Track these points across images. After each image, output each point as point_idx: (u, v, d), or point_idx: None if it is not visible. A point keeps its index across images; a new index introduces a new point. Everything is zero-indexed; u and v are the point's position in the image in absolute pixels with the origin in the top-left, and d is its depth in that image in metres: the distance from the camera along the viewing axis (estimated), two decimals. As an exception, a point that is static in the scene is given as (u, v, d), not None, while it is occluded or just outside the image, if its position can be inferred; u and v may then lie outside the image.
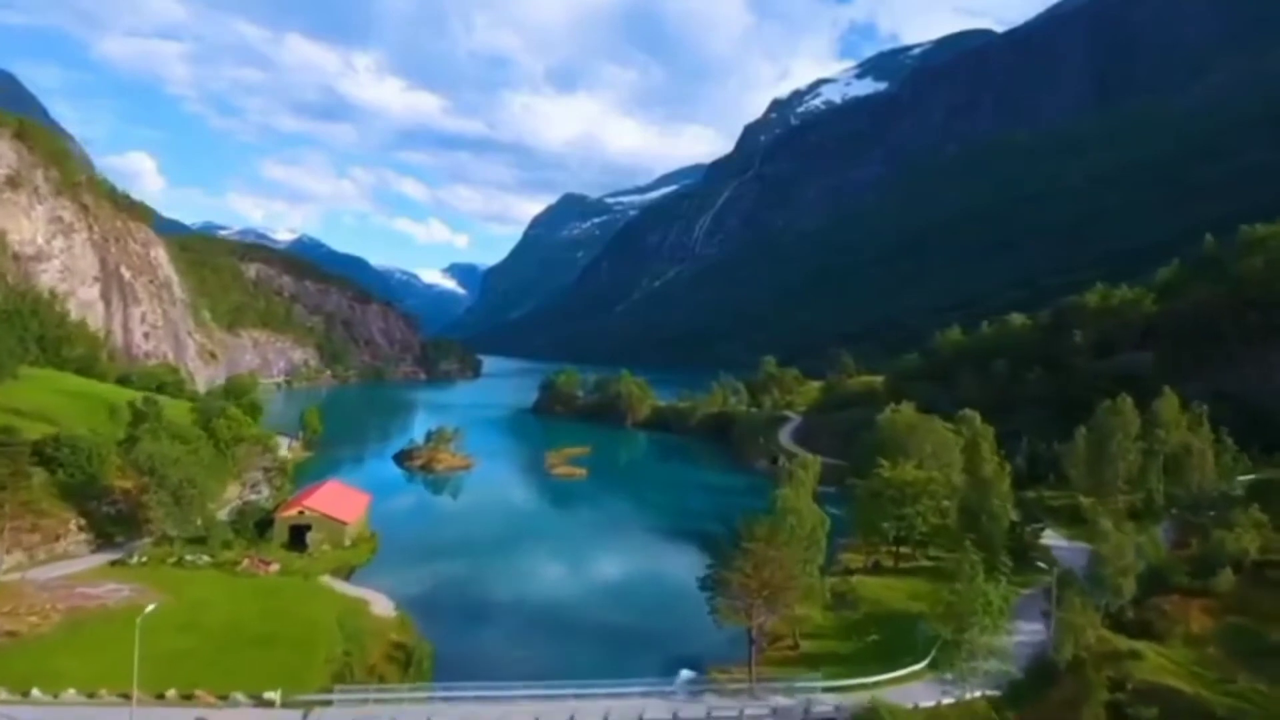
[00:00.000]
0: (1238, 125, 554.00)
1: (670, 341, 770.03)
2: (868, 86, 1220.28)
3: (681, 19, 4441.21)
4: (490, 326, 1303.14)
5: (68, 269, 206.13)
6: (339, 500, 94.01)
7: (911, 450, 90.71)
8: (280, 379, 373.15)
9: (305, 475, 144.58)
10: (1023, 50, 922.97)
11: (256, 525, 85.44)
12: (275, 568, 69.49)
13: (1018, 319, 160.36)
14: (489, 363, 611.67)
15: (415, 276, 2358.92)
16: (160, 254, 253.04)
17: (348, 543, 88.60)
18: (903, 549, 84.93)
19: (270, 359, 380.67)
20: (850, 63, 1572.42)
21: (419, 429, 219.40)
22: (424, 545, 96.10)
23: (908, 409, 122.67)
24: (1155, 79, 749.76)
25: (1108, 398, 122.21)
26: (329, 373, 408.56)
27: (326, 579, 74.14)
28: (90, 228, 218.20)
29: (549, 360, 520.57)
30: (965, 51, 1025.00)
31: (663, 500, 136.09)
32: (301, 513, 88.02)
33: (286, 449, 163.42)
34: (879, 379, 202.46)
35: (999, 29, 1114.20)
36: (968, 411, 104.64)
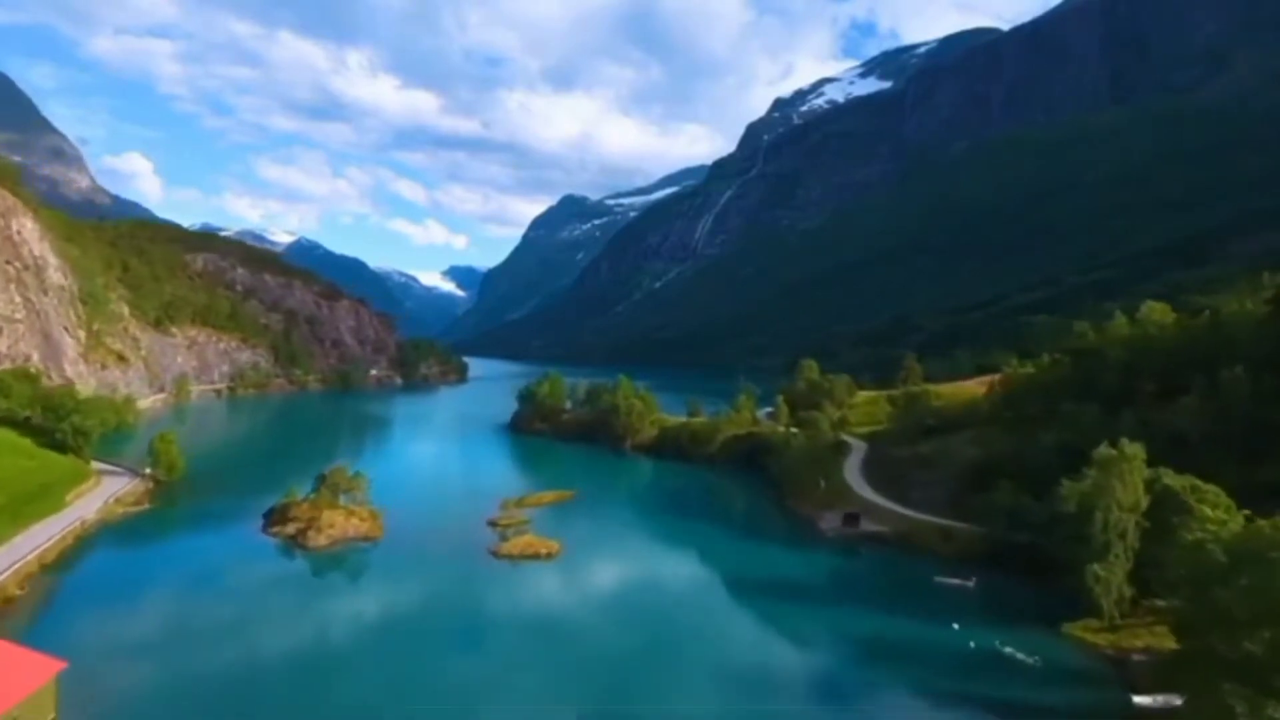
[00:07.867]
0: (1258, 121, 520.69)
1: (672, 343, 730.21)
2: (872, 85, 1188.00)
3: (679, 15, 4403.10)
4: (489, 328, 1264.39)
5: None
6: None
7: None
8: (221, 385, 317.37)
9: (90, 556, 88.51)
10: (1033, 46, 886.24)
11: None
12: None
13: (1232, 305, 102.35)
14: (483, 366, 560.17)
15: (414, 279, 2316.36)
16: (27, 227, 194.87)
17: None
18: None
19: (211, 361, 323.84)
20: (853, 61, 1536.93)
21: (353, 454, 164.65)
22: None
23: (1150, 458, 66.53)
24: (1172, 74, 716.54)
25: None
26: (283, 378, 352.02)
27: None
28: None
29: (546, 363, 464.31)
30: (974, 48, 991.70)
31: (695, 646, 65.86)
32: None
33: (103, 503, 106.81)
34: (978, 388, 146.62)
35: (1001, 26, 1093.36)
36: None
